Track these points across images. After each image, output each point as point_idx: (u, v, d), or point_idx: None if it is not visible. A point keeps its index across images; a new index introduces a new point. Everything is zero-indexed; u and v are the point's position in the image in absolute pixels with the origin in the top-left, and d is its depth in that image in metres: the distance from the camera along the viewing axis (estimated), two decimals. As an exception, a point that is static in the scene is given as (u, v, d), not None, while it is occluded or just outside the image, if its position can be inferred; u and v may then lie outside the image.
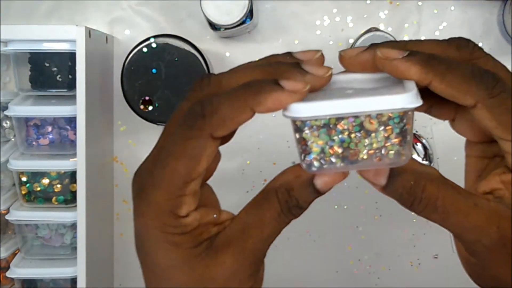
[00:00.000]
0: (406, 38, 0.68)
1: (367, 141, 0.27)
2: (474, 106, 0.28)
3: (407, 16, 0.68)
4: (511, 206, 0.29)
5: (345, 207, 0.70)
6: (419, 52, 0.29)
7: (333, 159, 0.28)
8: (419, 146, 0.67)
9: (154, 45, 0.60)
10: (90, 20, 0.68)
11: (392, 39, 0.60)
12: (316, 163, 0.28)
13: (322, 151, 0.28)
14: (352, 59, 0.30)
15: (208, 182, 0.34)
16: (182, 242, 0.29)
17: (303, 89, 0.27)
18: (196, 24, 0.68)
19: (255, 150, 0.69)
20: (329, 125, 0.27)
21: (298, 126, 0.28)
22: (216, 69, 0.68)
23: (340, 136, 0.27)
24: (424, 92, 0.29)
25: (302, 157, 0.28)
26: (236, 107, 0.28)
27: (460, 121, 0.33)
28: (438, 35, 0.68)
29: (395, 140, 0.27)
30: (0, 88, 0.66)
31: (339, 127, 0.27)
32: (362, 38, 0.61)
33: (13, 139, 0.66)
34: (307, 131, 0.28)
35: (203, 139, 0.28)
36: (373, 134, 0.27)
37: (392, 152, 0.28)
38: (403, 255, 0.71)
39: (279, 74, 0.28)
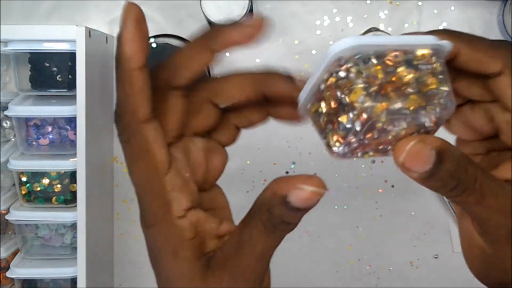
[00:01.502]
0: (406, 38, 0.68)
1: (412, 78, 0.26)
2: (498, 74, 0.29)
3: (407, 16, 0.68)
4: None
5: (345, 207, 0.70)
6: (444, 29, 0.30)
7: (380, 99, 0.25)
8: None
9: (154, 45, 0.60)
10: (90, 20, 0.69)
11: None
12: (346, 131, 0.26)
13: (367, 91, 0.25)
14: None
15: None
16: (184, 252, 0.29)
17: (262, 22, 0.28)
18: (196, 24, 0.68)
19: (255, 150, 0.69)
20: (374, 59, 0.25)
21: (341, 67, 0.25)
22: (216, 69, 0.68)
23: (387, 70, 0.26)
24: None
25: (340, 120, 0.26)
26: (191, 51, 0.28)
27: (454, 121, 0.33)
28: (438, 35, 0.68)
29: (440, 77, 0.27)
30: (0, 88, 0.66)
31: (386, 60, 0.26)
32: (362, 38, 0.61)
33: (13, 139, 0.66)
34: (351, 66, 0.25)
35: (163, 91, 0.28)
36: (417, 72, 0.26)
37: (440, 91, 0.26)
38: (403, 255, 0.71)
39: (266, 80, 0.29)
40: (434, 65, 0.27)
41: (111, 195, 0.71)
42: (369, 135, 0.26)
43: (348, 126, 0.25)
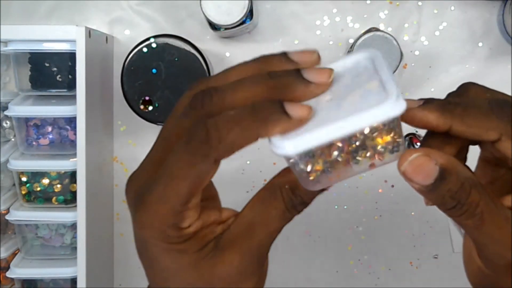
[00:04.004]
0: (406, 38, 0.68)
1: (361, 153, 0.28)
2: (498, 140, 0.29)
3: (407, 16, 0.68)
4: None
5: (345, 207, 0.70)
6: (435, 99, 0.29)
7: (333, 175, 0.28)
8: (418, 146, 0.67)
9: (154, 45, 0.60)
10: (90, 20, 0.68)
11: (392, 39, 0.60)
12: (315, 183, 0.29)
13: (321, 171, 0.28)
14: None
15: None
16: (187, 248, 0.29)
17: (308, 115, 0.27)
18: (196, 24, 0.68)
19: (255, 150, 0.69)
20: (320, 152, 0.28)
21: (290, 160, 0.28)
22: (216, 69, 0.68)
23: (335, 154, 0.28)
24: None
25: (301, 180, 0.29)
26: (243, 135, 0.27)
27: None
28: (438, 35, 0.67)
29: (389, 147, 0.28)
30: (0, 88, 0.66)
31: (332, 149, 0.28)
32: (362, 38, 0.61)
33: (13, 139, 0.66)
34: (301, 163, 0.28)
35: (208, 164, 0.28)
36: (366, 146, 0.28)
37: (386, 156, 0.28)
38: (403, 255, 0.71)
39: (283, 88, 0.28)
40: (379, 137, 0.28)
41: (111, 195, 0.71)
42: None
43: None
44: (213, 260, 0.29)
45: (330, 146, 0.27)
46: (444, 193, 0.28)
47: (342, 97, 0.28)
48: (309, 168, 0.28)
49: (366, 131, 0.27)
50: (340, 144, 0.27)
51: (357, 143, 0.28)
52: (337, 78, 0.29)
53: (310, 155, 0.28)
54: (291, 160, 0.28)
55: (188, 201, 0.28)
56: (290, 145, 0.27)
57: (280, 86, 0.28)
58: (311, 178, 0.28)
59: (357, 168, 0.28)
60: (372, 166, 0.28)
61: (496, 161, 0.32)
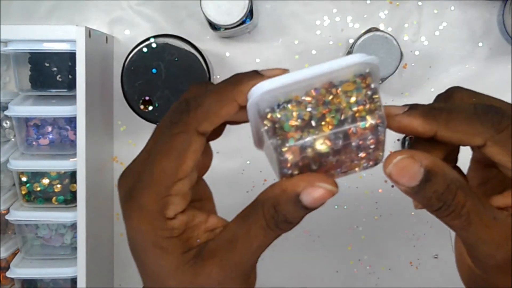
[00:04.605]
0: (406, 38, 0.68)
1: (338, 108, 0.27)
2: (484, 145, 0.28)
3: (407, 16, 0.68)
4: None
5: (345, 207, 0.70)
6: (420, 105, 0.29)
7: (309, 139, 0.27)
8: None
9: (154, 45, 0.60)
10: (90, 20, 0.69)
11: (392, 39, 0.60)
12: (291, 164, 0.27)
13: (298, 130, 0.27)
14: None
15: (210, 183, 0.34)
16: (170, 247, 0.29)
17: (282, 73, 0.28)
18: (196, 24, 0.68)
19: (255, 150, 0.69)
20: (293, 101, 0.27)
21: (266, 113, 0.27)
22: (216, 69, 0.68)
23: (309, 109, 0.27)
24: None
25: (277, 160, 0.28)
26: (219, 99, 0.28)
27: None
28: (438, 35, 0.68)
29: (367, 105, 0.27)
30: (0, 88, 0.66)
31: (307, 98, 0.27)
32: (362, 38, 0.61)
33: (13, 139, 0.66)
34: (276, 112, 0.27)
35: (188, 134, 0.28)
36: (341, 102, 0.27)
37: (365, 116, 0.27)
38: (403, 255, 0.71)
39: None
40: (354, 92, 0.27)
41: (111, 195, 0.71)
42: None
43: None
44: (193, 269, 0.29)
45: (303, 102, 0.27)
46: (430, 194, 0.28)
47: None
48: (283, 117, 0.27)
49: (336, 79, 0.27)
50: (313, 93, 0.27)
51: (330, 98, 0.27)
52: None
53: (282, 105, 0.27)
54: (265, 128, 0.27)
55: (173, 183, 0.28)
56: (261, 86, 0.27)
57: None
58: (287, 155, 0.27)
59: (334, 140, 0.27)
60: (349, 134, 0.27)
61: (488, 162, 0.32)
